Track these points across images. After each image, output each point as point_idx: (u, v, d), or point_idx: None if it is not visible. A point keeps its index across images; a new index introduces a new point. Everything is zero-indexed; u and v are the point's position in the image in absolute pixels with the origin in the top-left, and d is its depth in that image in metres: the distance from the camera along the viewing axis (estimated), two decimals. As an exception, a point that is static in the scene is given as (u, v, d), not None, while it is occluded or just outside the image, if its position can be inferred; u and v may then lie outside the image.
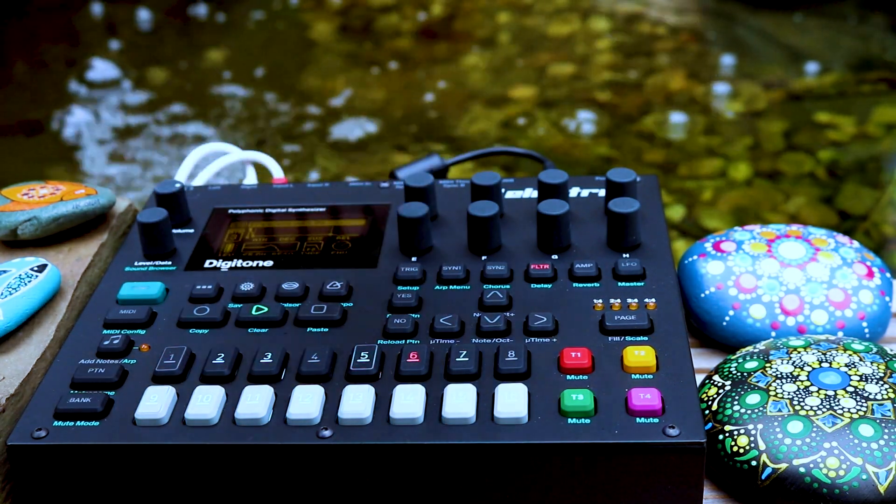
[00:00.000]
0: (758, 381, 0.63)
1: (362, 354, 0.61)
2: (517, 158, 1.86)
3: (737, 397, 0.62)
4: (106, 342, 0.63)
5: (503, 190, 0.78)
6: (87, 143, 2.07)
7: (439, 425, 0.56)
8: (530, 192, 0.77)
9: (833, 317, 0.71)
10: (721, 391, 0.64)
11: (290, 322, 0.65)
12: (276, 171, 0.85)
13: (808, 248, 0.74)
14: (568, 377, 0.59)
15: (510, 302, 0.65)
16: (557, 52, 2.34)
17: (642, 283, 0.66)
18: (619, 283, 0.67)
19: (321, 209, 0.77)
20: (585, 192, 0.77)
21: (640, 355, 0.59)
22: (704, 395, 0.65)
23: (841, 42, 2.29)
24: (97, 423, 0.58)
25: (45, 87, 2.32)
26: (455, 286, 0.67)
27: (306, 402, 0.57)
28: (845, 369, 0.63)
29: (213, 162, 0.86)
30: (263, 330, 0.65)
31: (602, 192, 0.77)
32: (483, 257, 0.70)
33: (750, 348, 0.68)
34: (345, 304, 0.66)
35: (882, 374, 0.62)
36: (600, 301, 0.65)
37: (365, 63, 2.34)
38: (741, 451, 0.60)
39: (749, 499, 0.61)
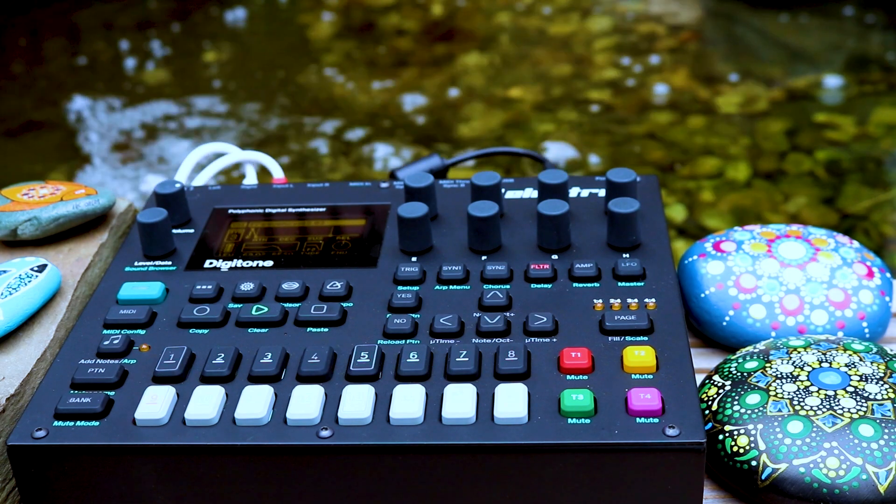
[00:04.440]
0: (758, 381, 0.63)
1: (362, 354, 0.61)
2: (517, 158, 1.86)
3: (737, 397, 0.62)
4: (106, 342, 0.63)
5: (503, 190, 0.78)
6: (89, 141, 2.07)
7: (439, 425, 0.56)
8: (530, 192, 0.77)
9: (833, 317, 0.71)
10: (721, 391, 0.64)
11: (290, 322, 0.65)
12: (276, 171, 0.85)
13: (808, 248, 0.73)
14: (568, 377, 0.59)
15: (510, 302, 0.65)
16: (557, 52, 2.34)
17: (642, 283, 0.66)
18: (619, 283, 0.67)
19: (321, 209, 0.77)
20: (585, 192, 0.77)
21: (640, 355, 0.59)
22: (704, 395, 0.65)
23: (841, 42, 2.29)
24: (97, 423, 0.58)
25: (46, 85, 2.32)
26: (455, 286, 0.67)
27: (306, 402, 0.57)
28: (845, 369, 0.63)
29: (213, 162, 0.86)
30: (263, 330, 0.65)
31: (602, 192, 0.77)
32: (483, 257, 0.70)
33: (750, 348, 0.68)
34: (345, 304, 0.66)
35: (882, 374, 0.62)
36: (600, 301, 0.65)
37: (364, 63, 2.34)
38: (741, 451, 0.60)
39: (749, 499, 0.61)
